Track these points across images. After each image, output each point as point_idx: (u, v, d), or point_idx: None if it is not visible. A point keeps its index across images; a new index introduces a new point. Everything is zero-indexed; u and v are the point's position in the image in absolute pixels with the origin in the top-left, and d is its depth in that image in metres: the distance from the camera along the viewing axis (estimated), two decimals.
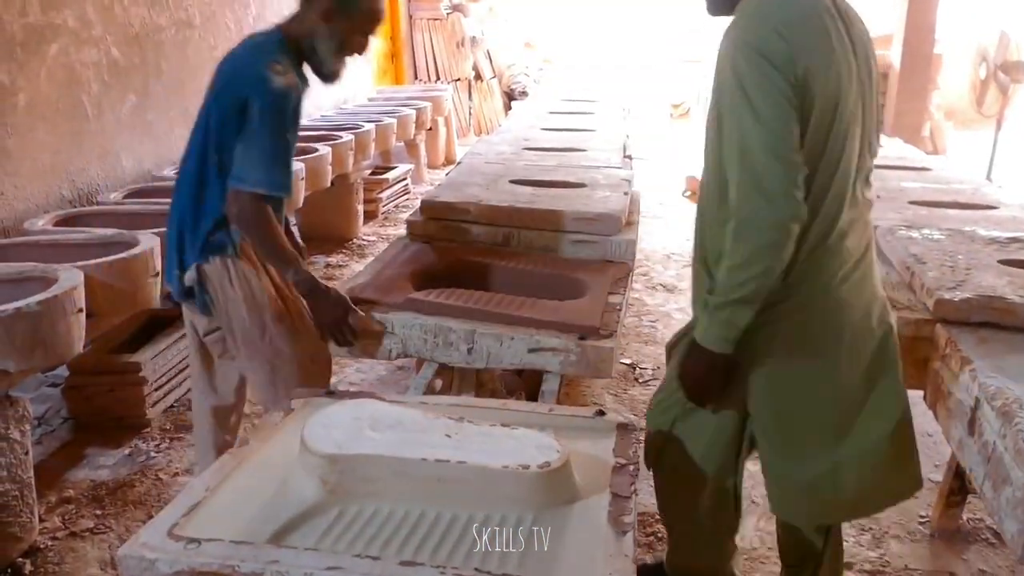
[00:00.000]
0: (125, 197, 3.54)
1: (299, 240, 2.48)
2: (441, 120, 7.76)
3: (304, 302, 2.17)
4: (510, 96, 9.88)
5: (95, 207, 3.43)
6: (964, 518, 2.40)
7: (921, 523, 2.44)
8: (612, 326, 2.17)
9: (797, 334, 1.61)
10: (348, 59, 2.14)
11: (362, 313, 2.18)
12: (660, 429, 1.82)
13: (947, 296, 2.05)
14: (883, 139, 4.65)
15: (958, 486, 2.32)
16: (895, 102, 7.41)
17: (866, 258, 1.64)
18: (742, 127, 1.45)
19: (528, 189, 3.16)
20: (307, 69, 2.14)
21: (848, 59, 1.50)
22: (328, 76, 2.14)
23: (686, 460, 1.79)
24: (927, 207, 3.02)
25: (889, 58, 7.65)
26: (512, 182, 3.28)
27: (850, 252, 1.58)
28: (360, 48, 2.13)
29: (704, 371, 1.61)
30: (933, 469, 2.71)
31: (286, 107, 2.01)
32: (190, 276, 2.12)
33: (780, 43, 1.42)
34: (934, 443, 2.85)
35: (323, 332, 2.16)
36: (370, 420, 1.55)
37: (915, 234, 2.56)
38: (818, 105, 1.46)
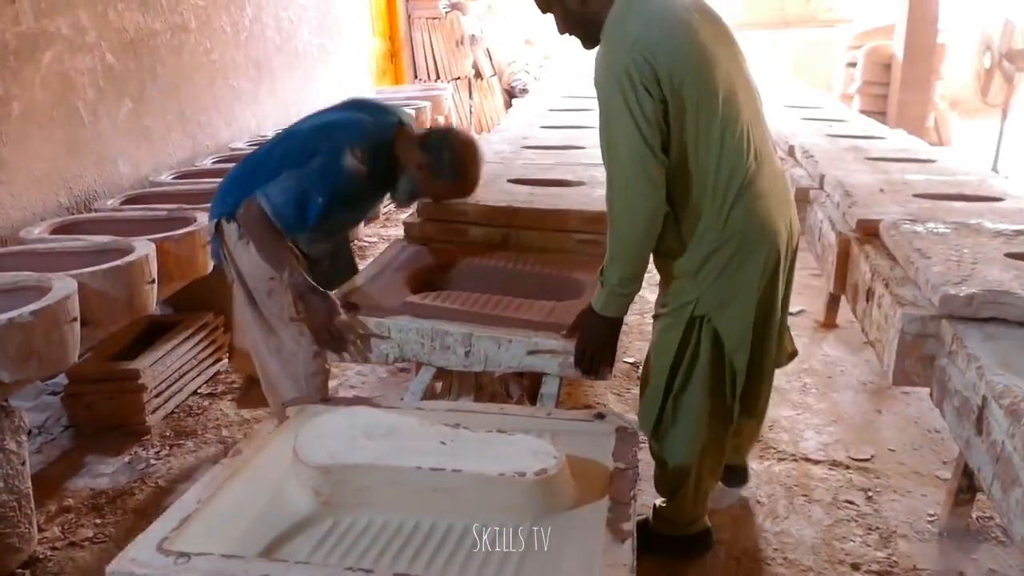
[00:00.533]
0: (122, 203, 3.51)
1: (355, 261, 2.75)
2: (441, 119, 7.73)
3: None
4: (511, 94, 9.84)
5: (92, 214, 3.41)
6: (973, 516, 2.36)
7: (929, 522, 2.40)
8: None
9: (733, 264, 1.87)
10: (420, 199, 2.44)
11: (348, 317, 2.19)
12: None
13: (952, 291, 2.01)
14: (886, 131, 4.62)
15: (967, 484, 2.27)
16: (898, 93, 7.34)
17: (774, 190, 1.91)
18: (611, 136, 1.74)
19: (526, 188, 3.13)
20: None
21: (710, 42, 1.77)
22: (396, 202, 2.47)
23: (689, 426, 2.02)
24: (931, 200, 2.98)
25: (891, 48, 7.59)
26: (510, 181, 3.24)
27: (762, 188, 1.85)
28: (435, 200, 2.45)
29: (608, 334, 1.92)
30: (941, 467, 2.68)
31: (337, 181, 2.17)
32: (209, 227, 2.41)
33: (642, 62, 1.67)
34: (942, 440, 2.81)
35: (313, 335, 2.23)
36: (364, 428, 1.52)
37: (919, 228, 2.52)
38: (692, 92, 1.71)
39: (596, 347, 1.95)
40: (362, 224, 2.59)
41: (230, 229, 2.33)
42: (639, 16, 1.73)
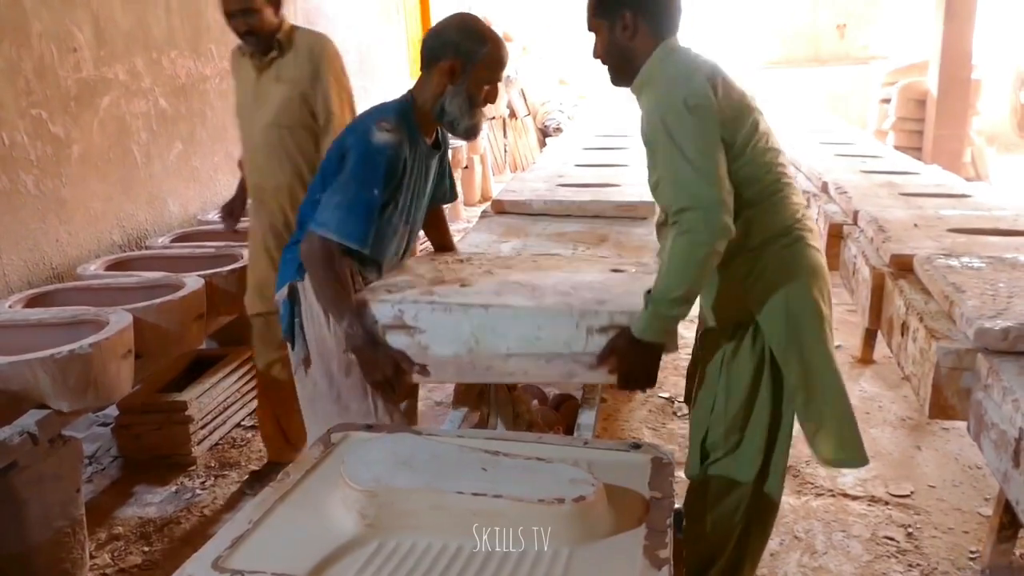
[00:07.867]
0: (172, 241, 3.66)
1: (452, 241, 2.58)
2: (477, 158, 7.88)
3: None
4: (544, 133, 9.99)
5: (144, 251, 3.55)
6: (1016, 554, 2.33)
7: (971, 559, 2.38)
8: None
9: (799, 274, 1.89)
10: (483, 111, 2.13)
11: (410, 376, 2.03)
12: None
13: (988, 325, 2.02)
14: (920, 167, 4.63)
15: (1009, 520, 2.25)
16: (933, 129, 7.33)
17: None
18: (675, 165, 1.71)
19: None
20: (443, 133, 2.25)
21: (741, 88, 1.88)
22: (467, 132, 2.13)
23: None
24: (966, 235, 2.98)
25: (925, 85, 7.59)
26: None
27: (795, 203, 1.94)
28: (491, 97, 2.11)
29: (651, 361, 1.85)
30: (983, 503, 2.64)
31: (379, 161, 2.00)
32: (281, 293, 2.15)
33: (704, 89, 1.73)
34: (983, 476, 2.78)
35: (372, 387, 2.07)
36: (407, 455, 1.57)
37: (954, 262, 2.53)
38: (740, 120, 1.80)
39: (640, 374, 1.89)
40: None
41: (307, 288, 2.11)
42: (686, 58, 1.83)
